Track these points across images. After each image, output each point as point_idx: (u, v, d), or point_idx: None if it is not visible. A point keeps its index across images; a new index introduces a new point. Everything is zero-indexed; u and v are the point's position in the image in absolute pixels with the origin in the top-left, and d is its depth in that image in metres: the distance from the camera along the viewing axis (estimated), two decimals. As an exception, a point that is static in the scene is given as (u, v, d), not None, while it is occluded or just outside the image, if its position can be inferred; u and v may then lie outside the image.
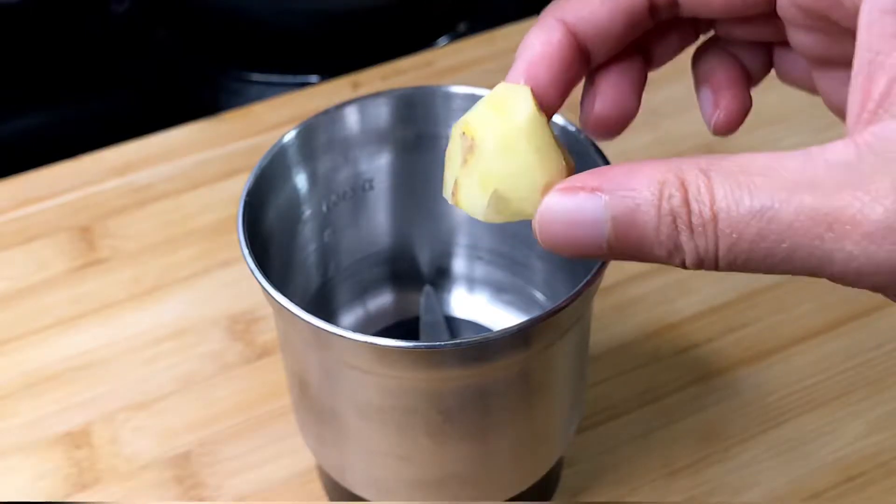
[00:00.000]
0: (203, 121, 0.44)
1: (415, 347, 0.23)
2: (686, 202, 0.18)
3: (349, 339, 0.22)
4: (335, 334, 0.22)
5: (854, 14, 0.19)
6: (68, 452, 0.33)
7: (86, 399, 0.34)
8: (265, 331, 0.36)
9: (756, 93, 0.48)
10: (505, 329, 0.22)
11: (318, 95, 0.45)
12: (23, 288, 0.38)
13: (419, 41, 0.51)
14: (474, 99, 0.28)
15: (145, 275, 0.38)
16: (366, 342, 0.22)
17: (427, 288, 0.32)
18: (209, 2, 0.51)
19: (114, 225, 0.40)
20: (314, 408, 0.27)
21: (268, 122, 0.44)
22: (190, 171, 0.42)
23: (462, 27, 0.53)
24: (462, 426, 0.25)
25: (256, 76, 0.51)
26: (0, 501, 0.32)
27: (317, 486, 0.32)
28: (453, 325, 0.32)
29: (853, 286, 0.19)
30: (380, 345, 0.22)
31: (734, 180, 0.18)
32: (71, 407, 0.34)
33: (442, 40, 0.52)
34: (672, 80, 0.44)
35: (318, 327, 0.22)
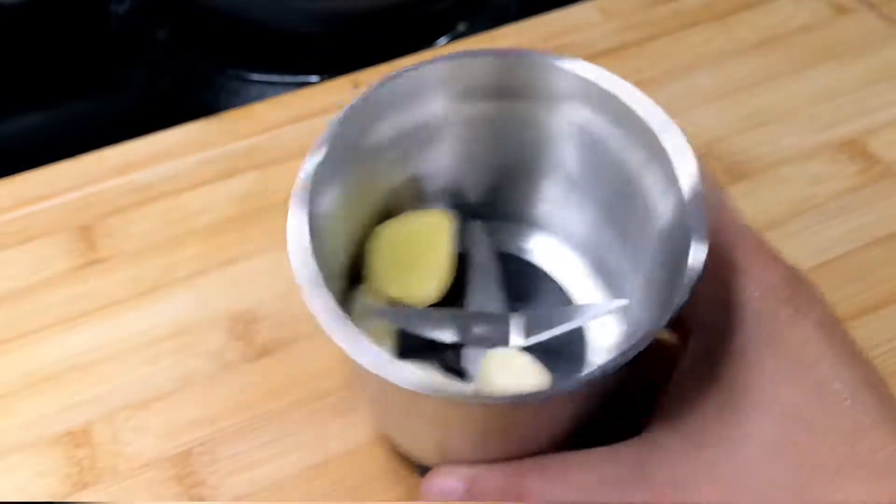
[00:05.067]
0: (203, 120, 0.44)
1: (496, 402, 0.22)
2: None
3: (433, 396, 0.22)
4: (422, 394, 0.22)
5: None
6: (69, 451, 0.33)
7: (86, 398, 0.34)
8: (265, 330, 0.36)
9: (754, 93, 0.48)
10: (569, 383, 0.22)
11: (318, 95, 0.45)
12: (23, 287, 0.38)
13: (419, 41, 0.51)
14: (574, 78, 0.28)
15: (146, 274, 0.38)
16: (451, 397, 0.22)
17: (477, 223, 0.32)
18: (209, 2, 0.51)
19: (114, 224, 0.40)
20: (387, 415, 0.27)
21: (268, 122, 0.44)
22: (190, 171, 0.42)
23: (461, 27, 0.53)
24: (527, 435, 0.25)
25: (256, 76, 0.51)
26: (1, 501, 0.32)
27: (317, 485, 0.32)
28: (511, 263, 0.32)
29: None
30: (458, 398, 0.22)
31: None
32: (71, 406, 0.34)
33: (441, 40, 0.52)
34: (672, 80, 0.44)
35: (409, 389, 0.22)
